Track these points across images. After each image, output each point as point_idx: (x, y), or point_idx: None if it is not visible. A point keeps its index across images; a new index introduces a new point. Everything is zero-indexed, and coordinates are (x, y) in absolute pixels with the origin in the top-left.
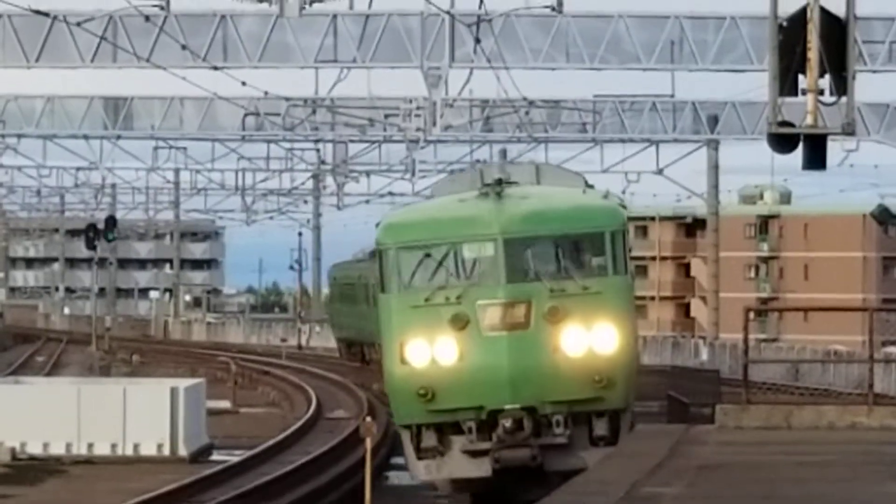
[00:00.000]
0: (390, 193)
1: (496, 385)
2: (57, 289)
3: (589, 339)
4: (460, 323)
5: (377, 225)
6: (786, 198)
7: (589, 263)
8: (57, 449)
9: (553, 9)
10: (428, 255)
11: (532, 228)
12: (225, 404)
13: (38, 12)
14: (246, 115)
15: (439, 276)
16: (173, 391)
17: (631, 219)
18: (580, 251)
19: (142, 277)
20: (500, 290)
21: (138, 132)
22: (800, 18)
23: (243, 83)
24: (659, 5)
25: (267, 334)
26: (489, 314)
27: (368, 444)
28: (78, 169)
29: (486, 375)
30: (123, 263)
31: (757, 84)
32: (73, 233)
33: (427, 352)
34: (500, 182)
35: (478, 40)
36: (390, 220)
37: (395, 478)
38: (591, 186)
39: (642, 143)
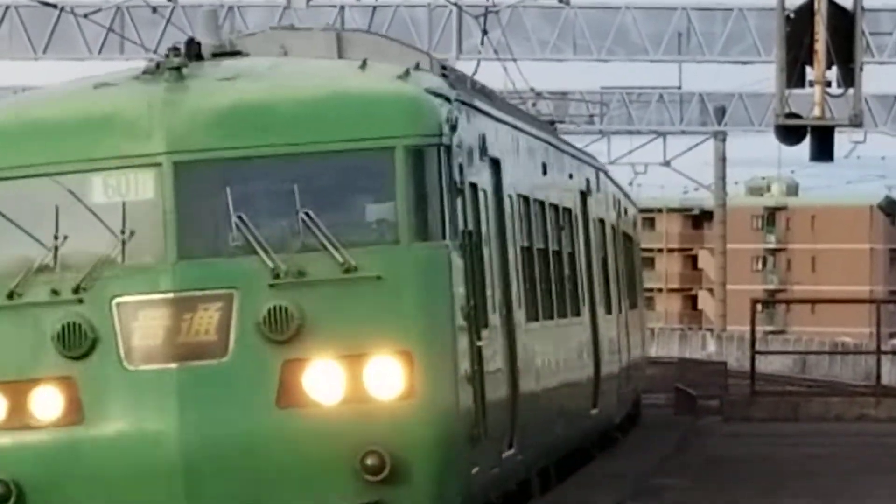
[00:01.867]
0: None
1: (155, 476)
2: None
3: (357, 376)
4: (80, 344)
5: None
6: (793, 189)
7: (360, 218)
8: None
9: (560, 0)
10: (15, 201)
11: (235, 142)
12: None
13: (45, 4)
14: None
15: (39, 247)
16: None
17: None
18: (340, 193)
19: None
20: (166, 275)
21: None
22: (807, 10)
23: None
24: None
25: None
26: (142, 326)
27: None
28: None
29: (134, 455)
30: None
31: (764, 75)
32: None
33: (5, 405)
34: (186, 50)
35: (485, 32)
36: None
37: None
38: (447, 76)
39: (649, 135)
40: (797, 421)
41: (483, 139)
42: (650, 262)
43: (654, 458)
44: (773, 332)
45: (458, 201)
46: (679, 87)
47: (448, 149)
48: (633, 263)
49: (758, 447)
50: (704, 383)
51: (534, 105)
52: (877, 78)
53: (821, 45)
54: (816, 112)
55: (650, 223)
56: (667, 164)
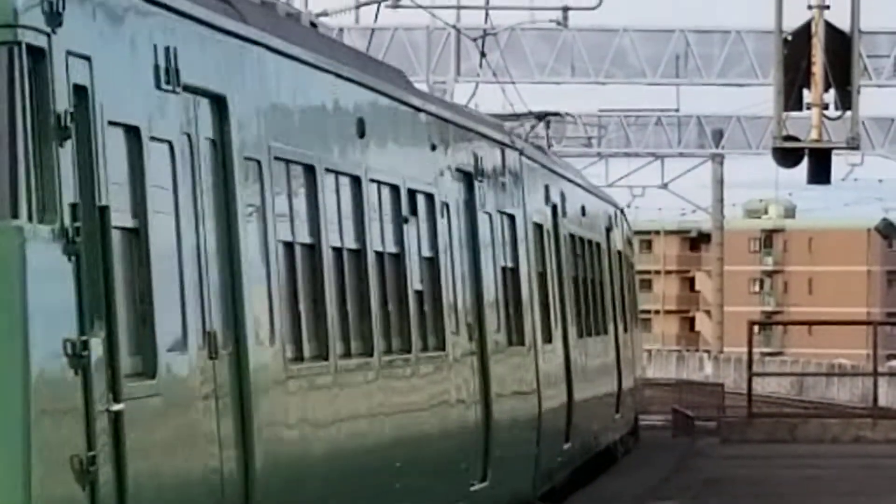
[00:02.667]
0: None
1: None
2: None
3: None
4: None
5: None
6: (790, 212)
7: None
8: None
9: (558, 23)
10: None
11: None
12: None
13: None
14: None
15: None
16: None
17: (636, 233)
18: None
19: None
20: None
21: None
22: (805, 33)
23: None
24: (664, 19)
25: None
26: None
27: None
28: None
29: None
30: None
31: (762, 98)
32: None
33: None
34: None
35: (483, 54)
36: None
37: None
38: None
39: (647, 158)
40: (794, 442)
41: (169, 55)
42: (647, 284)
43: (653, 480)
44: (770, 354)
45: (66, 151)
46: (677, 110)
47: (40, 53)
48: (601, 278)
49: (755, 468)
50: (702, 405)
51: (532, 128)
52: (874, 100)
53: (818, 68)
54: (814, 134)
55: (648, 245)
56: (664, 186)
